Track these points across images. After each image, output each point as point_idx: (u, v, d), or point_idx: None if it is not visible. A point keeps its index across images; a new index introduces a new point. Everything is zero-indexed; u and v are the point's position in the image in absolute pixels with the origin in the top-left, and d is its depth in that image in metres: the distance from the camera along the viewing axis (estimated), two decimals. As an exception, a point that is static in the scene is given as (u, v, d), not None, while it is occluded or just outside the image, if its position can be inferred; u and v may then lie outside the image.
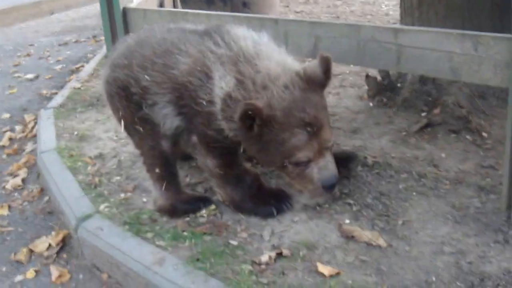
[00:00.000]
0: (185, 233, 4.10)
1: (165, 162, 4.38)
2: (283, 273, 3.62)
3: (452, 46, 3.85)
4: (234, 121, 3.72)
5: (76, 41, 12.10)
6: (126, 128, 4.49)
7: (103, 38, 8.79)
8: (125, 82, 4.29)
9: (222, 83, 3.82)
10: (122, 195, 4.72)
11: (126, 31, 6.59)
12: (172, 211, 4.31)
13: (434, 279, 3.43)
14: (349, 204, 4.21)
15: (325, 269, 3.57)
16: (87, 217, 4.46)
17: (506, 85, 3.63)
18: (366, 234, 3.86)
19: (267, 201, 4.16)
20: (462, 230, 3.82)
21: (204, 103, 3.90)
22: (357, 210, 4.15)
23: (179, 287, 3.60)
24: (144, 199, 4.62)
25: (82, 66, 9.53)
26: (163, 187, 4.36)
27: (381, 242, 3.79)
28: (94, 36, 12.34)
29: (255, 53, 3.86)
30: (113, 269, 4.10)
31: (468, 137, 5.08)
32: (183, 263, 3.78)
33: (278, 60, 3.85)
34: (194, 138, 4.16)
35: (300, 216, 4.13)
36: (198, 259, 3.80)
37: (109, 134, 5.99)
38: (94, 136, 6.01)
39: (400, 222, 3.97)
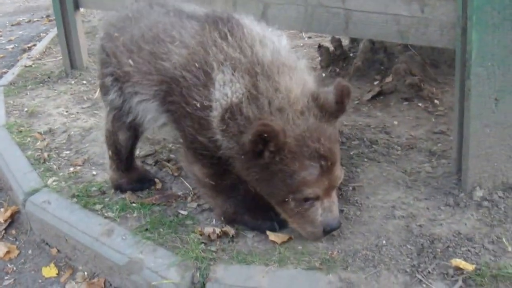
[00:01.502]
0: (134, 204, 4.04)
1: (117, 150, 4.23)
2: (233, 241, 3.58)
3: (399, 8, 3.81)
4: (237, 140, 3.27)
5: (29, 21, 11.90)
6: (101, 98, 4.30)
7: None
8: (109, 55, 3.97)
9: (227, 90, 3.27)
10: (71, 169, 4.64)
11: (76, 6, 6.48)
12: (117, 188, 4.27)
13: (384, 242, 3.40)
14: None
15: (276, 237, 3.53)
16: (35, 191, 4.38)
17: (452, 46, 3.61)
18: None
19: (266, 213, 3.61)
20: (413, 194, 3.80)
21: (198, 105, 3.36)
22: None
23: (127, 257, 3.56)
24: (94, 172, 4.55)
25: (34, 45, 9.36)
26: (113, 166, 4.28)
27: (332, 207, 3.73)
28: (48, 16, 12.13)
29: (276, 67, 3.30)
30: (62, 243, 4.03)
31: (420, 104, 5.08)
32: (132, 233, 3.73)
33: (298, 79, 3.32)
34: (180, 145, 3.82)
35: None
36: (147, 229, 3.75)
37: (59, 110, 5.89)
38: (44, 112, 5.90)
39: (351, 188, 3.95)
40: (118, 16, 4.09)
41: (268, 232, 3.56)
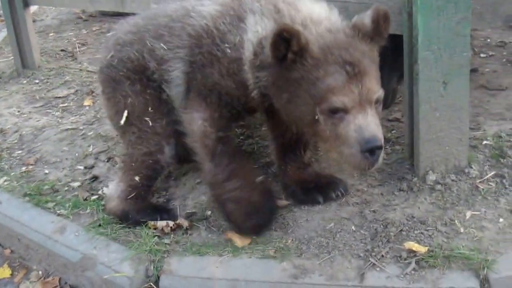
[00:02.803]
0: (87, 201, 3.97)
1: (151, 175, 3.80)
2: (187, 233, 3.57)
3: (347, -5, 3.80)
4: (265, 66, 3.21)
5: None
6: (127, 121, 3.76)
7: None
8: (138, 61, 3.73)
9: (258, 27, 3.30)
10: (23, 168, 4.57)
11: (25, 4, 6.38)
12: (123, 218, 3.74)
13: (338, 229, 3.40)
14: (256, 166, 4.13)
15: (238, 240, 3.47)
16: (-15, 192, 4.27)
17: (400, 32, 3.61)
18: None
19: (260, 208, 3.47)
20: (367, 181, 3.80)
21: (231, 48, 3.36)
22: (264, 165, 4.10)
23: (81, 254, 3.53)
24: (46, 171, 4.47)
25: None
26: (128, 194, 3.76)
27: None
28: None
29: None
30: (15, 243, 3.97)
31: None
32: (85, 229, 3.69)
33: (323, 8, 3.33)
34: (189, 95, 3.61)
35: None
36: (100, 225, 3.72)
37: (11, 110, 5.79)
38: (-5, 113, 5.78)
39: (305, 176, 3.91)
40: (123, 29, 3.97)
41: (230, 234, 3.48)
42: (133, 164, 3.74)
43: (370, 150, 2.96)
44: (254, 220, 3.42)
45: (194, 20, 3.54)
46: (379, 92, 3.08)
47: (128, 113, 3.73)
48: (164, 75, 3.68)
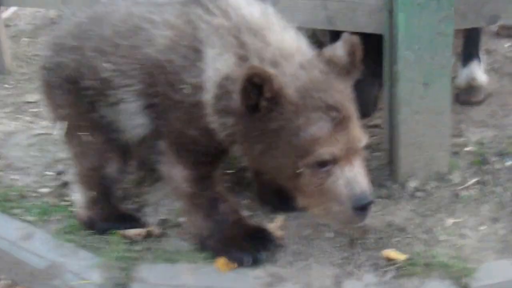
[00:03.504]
0: (56, 207, 3.84)
1: (105, 189, 3.57)
2: (159, 241, 3.45)
3: (327, -8, 3.69)
4: (231, 111, 2.84)
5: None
6: (68, 132, 3.51)
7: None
8: (74, 71, 3.33)
9: (218, 64, 2.88)
10: (-10, 174, 4.40)
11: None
12: (90, 225, 3.58)
13: (315, 236, 3.31)
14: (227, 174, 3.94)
15: (223, 266, 3.31)
16: (-51, 200, 4.12)
17: (381, 31, 3.53)
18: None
19: (241, 244, 3.18)
20: (346, 188, 3.68)
21: (189, 89, 2.96)
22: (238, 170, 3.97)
23: (48, 261, 3.40)
24: (15, 177, 4.31)
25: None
26: (92, 203, 3.59)
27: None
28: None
29: (265, 22, 2.96)
30: (-20, 251, 3.81)
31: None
32: (53, 236, 3.55)
33: (293, 36, 2.97)
34: (161, 144, 3.25)
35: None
36: (69, 232, 3.59)
37: (-22, 113, 5.62)
38: (-37, 118, 5.62)
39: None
40: (66, 27, 3.51)
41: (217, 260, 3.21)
42: (84, 178, 3.56)
43: (362, 207, 2.74)
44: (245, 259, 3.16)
45: (144, 45, 3.12)
46: (364, 140, 2.81)
47: (67, 124, 3.47)
48: (109, 98, 3.29)
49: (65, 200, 3.93)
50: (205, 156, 3.15)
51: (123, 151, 3.49)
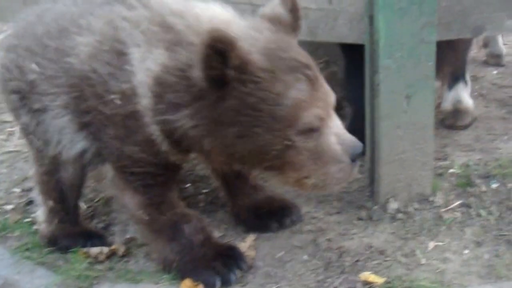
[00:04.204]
0: (17, 224, 3.67)
1: (62, 195, 3.33)
2: (123, 260, 3.26)
3: (307, 1, 3.51)
4: (184, 102, 2.59)
5: None
6: (24, 136, 3.37)
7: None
8: (10, 68, 3.12)
9: (148, 63, 2.64)
10: (-45, 191, 4.22)
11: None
12: (52, 242, 3.37)
13: (288, 258, 3.12)
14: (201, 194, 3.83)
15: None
16: None
17: (362, 41, 3.37)
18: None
19: (210, 264, 2.93)
20: (324, 209, 3.52)
21: (119, 99, 2.70)
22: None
23: (2, 278, 3.20)
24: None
25: None
26: (52, 218, 3.39)
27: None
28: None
29: (188, 3, 2.77)
30: None
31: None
32: (10, 253, 3.38)
33: (221, 8, 2.76)
34: (108, 168, 3.05)
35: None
36: (27, 249, 3.41)
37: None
38: None
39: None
40: (19, 25, 3.28)
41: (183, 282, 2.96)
42: (41, 185, 3.36)
43: (357, 156, 2.65)
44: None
45: (69, 53, 2.88)
46: (333, 94, 2.67)
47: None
48: (35, 104, 3.08)
49: (28, 217, 3.76)
50: (153, 177, 2.90)
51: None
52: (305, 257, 3.11)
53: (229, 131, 2.55)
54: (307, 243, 3.21)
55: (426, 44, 3.10)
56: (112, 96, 2.70)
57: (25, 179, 4.26)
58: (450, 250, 3.07)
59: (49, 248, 3.36)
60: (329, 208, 3.52)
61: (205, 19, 2.65)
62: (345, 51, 4.03)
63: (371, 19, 3.18)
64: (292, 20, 2.69)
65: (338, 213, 3.47)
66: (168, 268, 2.98)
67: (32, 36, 3.04)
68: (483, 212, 3.29)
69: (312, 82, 2.51)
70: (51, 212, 3.36)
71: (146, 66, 2.63)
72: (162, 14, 2.70)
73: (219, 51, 2.36)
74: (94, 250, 3.26)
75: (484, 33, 3.39)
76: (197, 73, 2.46)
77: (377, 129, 3.25)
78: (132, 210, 2.99)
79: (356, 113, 3.85)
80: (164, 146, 2.75)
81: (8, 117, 5.24)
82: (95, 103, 2.77)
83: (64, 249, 3.31)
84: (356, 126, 3.46)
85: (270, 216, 3.31)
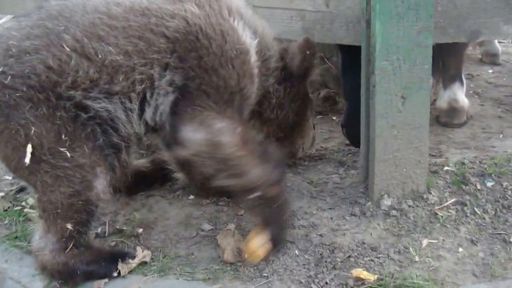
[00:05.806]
0: (6, 211, 3.64)
1: (86, 219, 2.96)
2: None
3: (304, 3, 3.56)
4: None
5: None
6: (33, 159, 2.85)
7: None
8: (45, 75, 2.83)
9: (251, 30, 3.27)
10: None
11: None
12: (68, 274, 2.98)
13: (281, 252, 3.08)
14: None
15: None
16: None
17: (358, 43, 3.37)
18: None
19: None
20: (317, 204, 3.49)
21: (237, 48, 3.08)
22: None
23: (-11, 267, 3.16)
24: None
25: None
26: (64, 246, 2.97)
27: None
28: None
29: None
30: None
31: (334, 118, 4.86)
32: (-2, 241, 3.32)
33: None
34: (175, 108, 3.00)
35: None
36: (16, 237, 3.37)
37: None
38: None
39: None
40: (21, 32, 2.93)
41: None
42: (59, 212, 2.89)
43: None
44: None
45: (171, 23, 3.01)
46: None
47: (33, 147, 2.83)
48: (114, 86, 2.90)
49: (18, 205, 3.73)
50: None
51: (111, 161, 3.05)
52: (297, 252, 3.08)
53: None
54: (299, 238, 3.18)
55: (422, 48, 3.10)
56: (230, 47, 3.07)
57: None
58: (444, 248, 3.04)
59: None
60: (322, 204, 3.49)
61: None
62: (341, 46, 4.01)
63: (368, 23, 3.16)
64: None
65: (331, 208, 3.43)
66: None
67: (72, 33, 2.91)
68: (478, 210, 3.26)
69: None
70: (65, 239, 2.95)
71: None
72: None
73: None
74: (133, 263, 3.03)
75: (480, 38, 3.41)
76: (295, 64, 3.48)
77: (372, 128, 3.23)
78: (226, 134, 2.90)
79: (351, 109, 3.82)
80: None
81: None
82: (204, 52, 3.01)
83: (85, 279, 2.98)
84: (351, 121, 3.46)
85: None
